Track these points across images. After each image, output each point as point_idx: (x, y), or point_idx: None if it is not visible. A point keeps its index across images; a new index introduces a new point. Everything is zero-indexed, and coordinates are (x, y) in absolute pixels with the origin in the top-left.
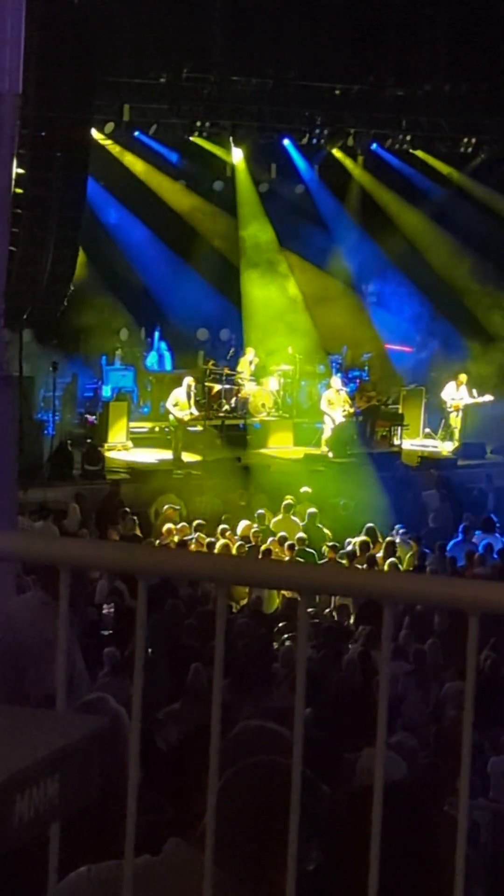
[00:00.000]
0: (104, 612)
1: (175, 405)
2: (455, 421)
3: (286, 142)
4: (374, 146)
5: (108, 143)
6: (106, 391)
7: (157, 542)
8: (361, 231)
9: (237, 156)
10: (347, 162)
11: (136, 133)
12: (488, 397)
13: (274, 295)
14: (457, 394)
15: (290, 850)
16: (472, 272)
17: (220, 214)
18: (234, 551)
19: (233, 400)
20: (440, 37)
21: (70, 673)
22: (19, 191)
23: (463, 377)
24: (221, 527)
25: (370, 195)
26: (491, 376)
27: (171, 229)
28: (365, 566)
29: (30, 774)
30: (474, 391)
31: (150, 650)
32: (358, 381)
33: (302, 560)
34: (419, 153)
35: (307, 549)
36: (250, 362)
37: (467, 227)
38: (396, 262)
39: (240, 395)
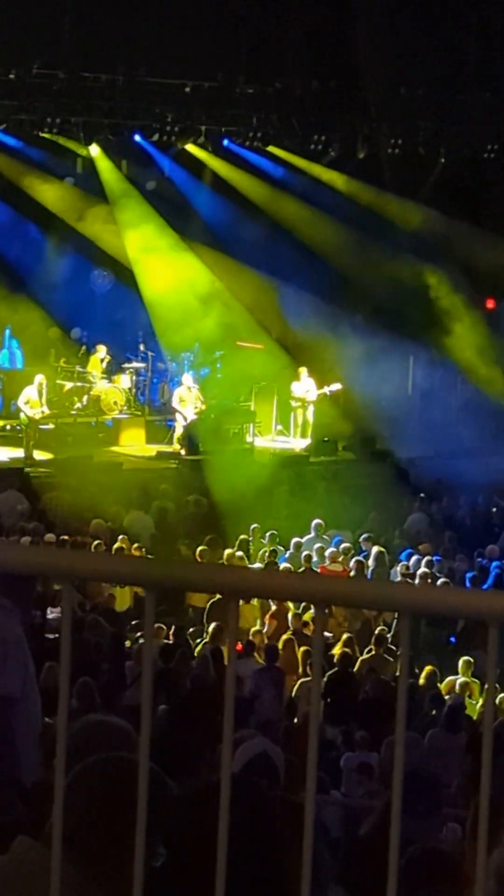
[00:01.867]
0: (49, 616)
1: (26, 403)
2: (303, 415)
3: (137, 138)
4: (226, 142)
5: None
6: None
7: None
8: (220, 223)
9: (95, 150)
10: (201, 154)
11: None
12: (337, 386)
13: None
14: (300, 387)
15: (137, 846)
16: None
17: (87, 206)
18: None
19: (84, 398)
20: (291, 36)
21: (24, 673)
22: None
23: (301, 370)
24: (75, 525)
25: (230, 185)
26: (340, 365)
27: (33, 221)
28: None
29: None
30: (312, 387)
31: None
32: (208, 378)
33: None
34: (273, 149)
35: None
36: (101, 360)
37: (331, 213)
38: (265, 253)
39: (91, 392)
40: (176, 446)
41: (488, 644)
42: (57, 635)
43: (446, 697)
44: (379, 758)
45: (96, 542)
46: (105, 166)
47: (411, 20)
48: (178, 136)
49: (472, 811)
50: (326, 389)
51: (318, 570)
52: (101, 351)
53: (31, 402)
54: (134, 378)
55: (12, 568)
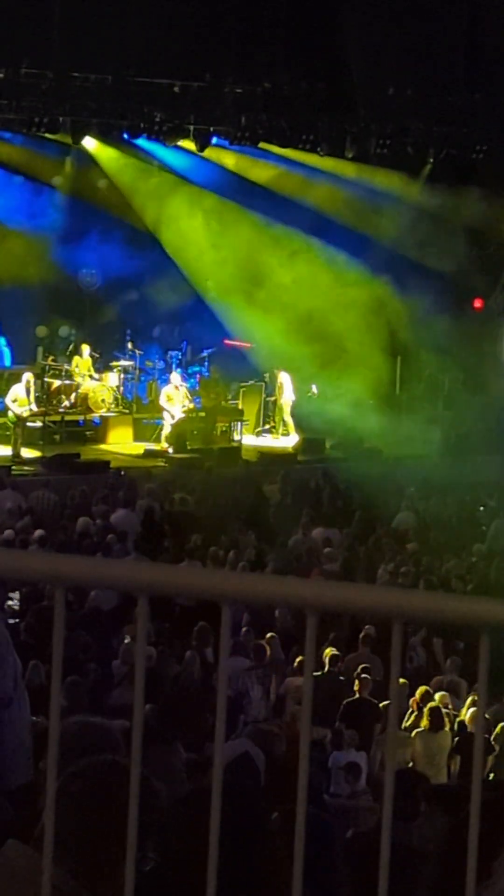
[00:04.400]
0: (9, 602)
1: (14, 401)
2: (282, 415)
3: (125, 137)
4: (215, 140)
5: None
6: None
7: None
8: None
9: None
10: (191, 146)
11: None
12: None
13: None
14: (280, 387)
15: (128, 849)
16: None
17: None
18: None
19: (72, 395)
20: (279, 36)
21: (14, 673)
22: None
23: (278, 371)
24: (61, 523)
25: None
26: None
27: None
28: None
29: None
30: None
31: None
32: (198, 376)
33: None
34: (265, 145)
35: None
36: (90, 357)
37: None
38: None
39: (79, 390)
40: (163, 444)
41: (480, 651)
42: (17, 620)
43: (436, 696)
44: (367, 757)
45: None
46: (106, 154)
47: (400, 21)
48: (167, 136)
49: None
50: (314, 388)
51: (312, 571)
52: (86, 350)
53: (19, 399)
54: (122, 376)
55: (3, 574)
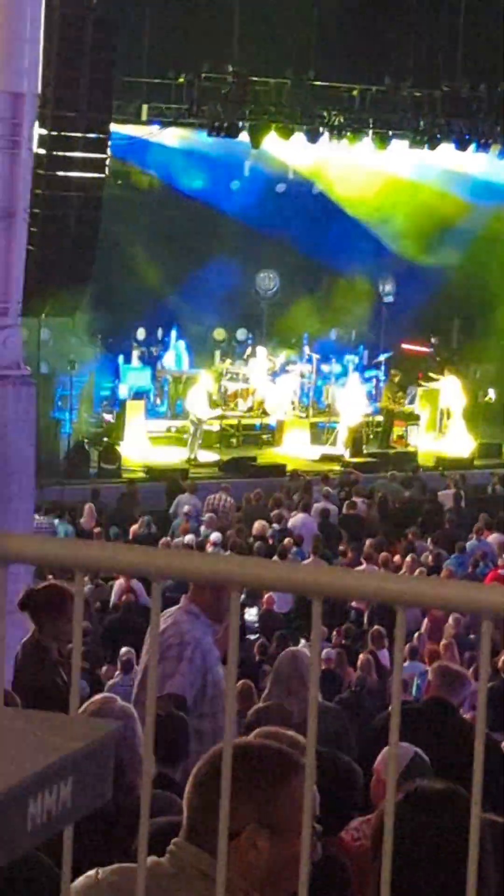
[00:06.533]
0: (247, 617)
1: (193, 404)
2: (450, 418)
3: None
4: (393, 142)
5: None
6: (123, 390)
7: (173, 541)
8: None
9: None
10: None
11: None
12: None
13: None
14: (445, 391)
15: (302, 845)
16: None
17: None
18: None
19: (249, 399)
20: (457, 37)
21: (200, 682)
22: (38, 191)
23: (446, 370)
24: (237, 526)
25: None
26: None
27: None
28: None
29: (43, 778)
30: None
31: None
32: (375, 380)
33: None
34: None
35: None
36: (267, 359)
37: None
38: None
39: (256, 394)
40: (340, 448)
41: (482, 636)
42: (257, 636)
43: None
44: None
45: (258, 544)
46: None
47: None
48: (346, 139)
49: None
50: (491, 393)
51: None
52: (261, 353)
53: (197, 403)
54: (299, 380)
55: (176, 575)
